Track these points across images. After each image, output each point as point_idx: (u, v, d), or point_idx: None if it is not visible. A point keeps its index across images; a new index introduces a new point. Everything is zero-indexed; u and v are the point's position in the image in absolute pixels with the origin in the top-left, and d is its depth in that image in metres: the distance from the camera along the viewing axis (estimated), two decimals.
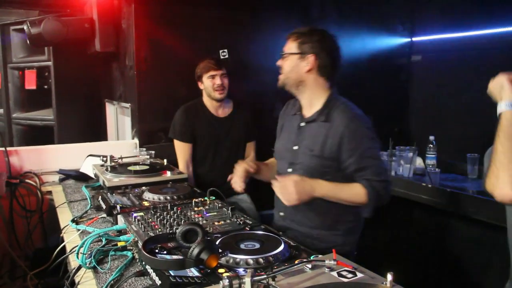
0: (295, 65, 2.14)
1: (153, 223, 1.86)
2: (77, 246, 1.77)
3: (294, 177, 2.01)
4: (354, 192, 2.06)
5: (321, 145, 2.11)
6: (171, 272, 1.40)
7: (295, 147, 2.22)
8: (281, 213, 2.30)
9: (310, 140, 2.16)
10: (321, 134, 2.12)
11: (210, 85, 3.12)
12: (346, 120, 2.07)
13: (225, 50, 3.54)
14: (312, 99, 2.20)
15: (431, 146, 3.41)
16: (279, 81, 2.21)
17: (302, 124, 2.23)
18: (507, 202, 1.60)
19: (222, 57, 3.51)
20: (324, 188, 2.04)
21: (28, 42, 3.90)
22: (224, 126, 3.24)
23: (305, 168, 2.16)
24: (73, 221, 2.18)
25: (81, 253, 1.72)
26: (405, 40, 4.55)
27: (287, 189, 1.98)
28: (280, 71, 2.20)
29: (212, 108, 3.24)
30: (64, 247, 1.97)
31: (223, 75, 3.12)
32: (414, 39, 4.56)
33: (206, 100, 3.25)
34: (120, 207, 2.05)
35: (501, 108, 1.64)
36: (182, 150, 3.19)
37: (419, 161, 3.47)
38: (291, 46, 2.17)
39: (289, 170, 2.24)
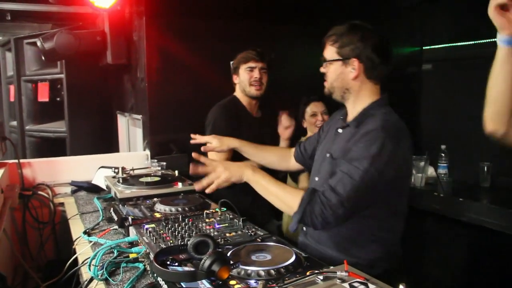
0: (339, 72, 1.88)
1: (165, 234, 1.86)
2: (89, 258, 1.78)
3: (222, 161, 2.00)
4: (292, 193, 1.82)
5: (340, 150, 1.85)
6: (183, 284, 1.40)
7: (327, 154, 1.95)
8: (304, 228, 2.06)
9: (337, 146, 1.91)
10: (346, 140, 1.86)
11: (247, 78, 2.78)
12: (372, 126, 1.77)
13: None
14: (356, 105, 1.92)
15: (443, 155, 3.39)
16: (325, 89, 1.97)
17: (340, 130, 1.98)
18: (494, 137, 1.54)
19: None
20: (258, 173, 1.92)
21: (43, 58, 3.95)
22: (260, 128, 2.87)
23: (324, 176, 1.92)
24: (85, 232, 2.19)
25: (93, 265, 1.72)
26: (416, 48, 4.54)
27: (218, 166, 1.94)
28: (324, 78, 1.96)
29: (249, 106, 2.87)
30: (76, 258, 1.98)
31: (262, 69, 2.77)
32: (424, 47, 4.55)
33: (240, 97, 2.88)
34: (132, 219, 2.06)
35: (497, 40, 1.46)
36: (224, 157, 2.65)
37: (431, 171, 3.45)
38: (330, 52, 1.90)
39: (316, 178, 2.02)
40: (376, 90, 1.92)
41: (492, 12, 1.40)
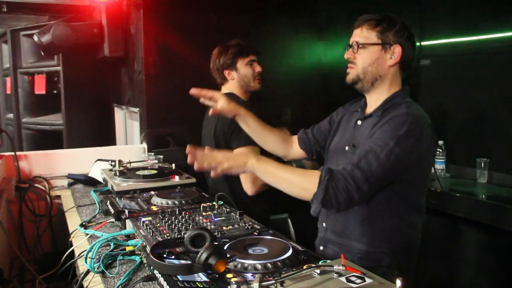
0: (377, 57, 1.81)
1: (161, 227, 1.86)
2: (86, 250, 1.78)
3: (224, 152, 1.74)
4: (305, 175, 1.71)
5: (364, 139, 1.78)
6: (179, 277, 1.40)
7: (347, 148, 1.90)
8: (324, 224, 1.97)
9: (360, 137, 1.84)
10: (369, 128, 1.79)
11: (250, 72, 2.67)
12: (396, 112, 1.73)
13: None
14: (382, 95, 1.87)
15: (440, 150, 3.39)
16: (350, 75, 1.87)
17: (359, 122, 1.91)
18: None
19: None
20: (263, 160, 1.73)
21: (42, 53, 3.93)
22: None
23: None
24: (81, 225, 2.19)
25: (89, 257, 1.72)
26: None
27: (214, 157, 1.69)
28: (350, 65, 1.87)
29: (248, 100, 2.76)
30: (72, 251, 1.98)
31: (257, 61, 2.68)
32: (423, 43, 4.54)
33: (240, 93, 2.73)
34: (129, 212, 2.05)
35: None
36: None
37: None
38: (369, 35, 1.83)
39: None
40: (400, 82, 1.90)
41: None
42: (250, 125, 2.14)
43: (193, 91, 2.07)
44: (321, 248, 1.96)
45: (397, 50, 1.80)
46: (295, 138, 2.29)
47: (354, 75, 1.86)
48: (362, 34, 1.84)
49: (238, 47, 2.68)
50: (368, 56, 1.82)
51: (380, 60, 1.82)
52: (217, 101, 2.07)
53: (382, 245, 1.79)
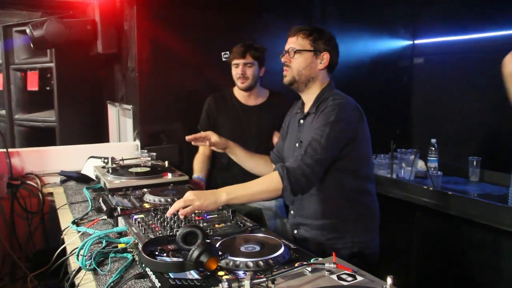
0: (310, 62, 2.11)
1: (154, 225, 1.86)
2: (78, 248, 1.77)
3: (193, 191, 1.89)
4: (268, 180, 1.95)
5: (308, 134, 2.06)
6: (171, 275, 1.40)
7: (296, 145, 2.18)
8: (292, 211, 2.27)
9: (305, 133, 2.12)
10: (310, 125, 2.09)
11: (234, 74, 3.01)
12: (324, 106, 2.04)
13: (227, 52, 3.53)
14: (314, 94, 2.17)
15: (433, 148, 3.40)
16: (288, 78, 2.15)
17: (301, 121, 2.21)
18: None
19: (224, 59, 3.48)
20: (233, 188, 1.91)
21: (32, 46, 3.90)
22: (251, 114, 3.06)
23: None
24: (73, 222, 2.18)
25: (81, 255, 1.72)
26: (407, 42, 4.55)
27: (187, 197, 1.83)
28: (286, 68, 2.15)
29: (242, 97, 3.10)
30: (64, 248, 1.97)
31: (247, 64, 2.95)
32: (416, 41, 4.56)
33: (235, 88, 3.11)
34: (121, 209, 2.05)
35: None
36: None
37: (420, 164, 3.47)
38: (303, 43, 2.12)
39: None
40: (328, 81, 2.19)
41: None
42: (237, 154, 2.43)
43: (189, 137, 2.34)
44: (295, 231, 2.25)
45: (325, 56, 2.13)
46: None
47: (290, 77, 2.15)
48: (297, 42, 2.14)
49: (233, 50, 3.00)
50: (302, 61, 2.12)
51: (312, 64, 2.13)
52: (210, 139, 2.36)
53: (343, 215, 2.13)
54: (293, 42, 2.14)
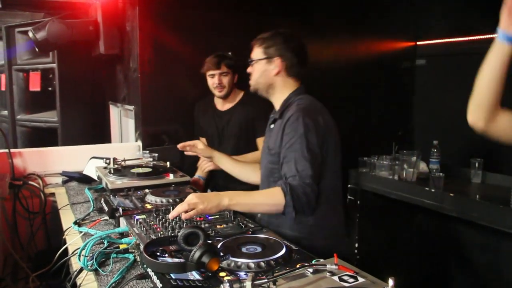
0: (264, 69, 2.14)
1: (155, 225, 1.86)
2: (79, 248, 1.77)
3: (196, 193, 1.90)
4: (270, 193, 1.97)
5: (274, 142, 2.10)
6: (172, 275, 1.40)
7: (267, 149, 2.22)
8: (259, 215, 2.23)
9: (272, 139, 2.14)
10: (277, 131, 2.10)
11: (210, 84, 3.12)
12: (291, 112, 2.02)
13: (229, 53, 3.53)
14: (280, 100, 2.18)
15: (435, 150, 3.40)
16: (251, 87, 2.22)
17: (272, 125, 2.23)
18: (474, 128, 1.67)
19: None
20: (235, 194, 1.92)
21: (36, 49, 3.91)
22: (223, 119, 3.19)
23: (263, 169, 2.21)
24: (75, 223, 2.18)
25: (83, 255, 1.72)
26: (410, 44, 4.55)
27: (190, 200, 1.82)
28: (249, 78, 2.22)
29: (218, 102, 3.25)
30: (66, 249, 1.97)
31: (222, 74, 3.08)
32: (418, 43, 4.56)
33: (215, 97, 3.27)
34: (123, 210, 2.06)
35: (497, 35, 1.55)
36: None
37: (422, 166, 3.46)
38: (257, 52, 2.18)
39: (262, 170, 2.27)
40: (295, 83, 2.17)
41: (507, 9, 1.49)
42: (223, 163, 2.52)
43: (180, 146, 2.51)
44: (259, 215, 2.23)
45: (277, 62, 2.12)
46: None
47: (252, 86, 2.22)
48: (254, 52, 2.19)
49: (205, 62, 3.12)
50: (257, 70, 2.17)
51: (266, 72, 2.15)
52: (197, 147, 2.50)
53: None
54: (252, 52, 2.21)
